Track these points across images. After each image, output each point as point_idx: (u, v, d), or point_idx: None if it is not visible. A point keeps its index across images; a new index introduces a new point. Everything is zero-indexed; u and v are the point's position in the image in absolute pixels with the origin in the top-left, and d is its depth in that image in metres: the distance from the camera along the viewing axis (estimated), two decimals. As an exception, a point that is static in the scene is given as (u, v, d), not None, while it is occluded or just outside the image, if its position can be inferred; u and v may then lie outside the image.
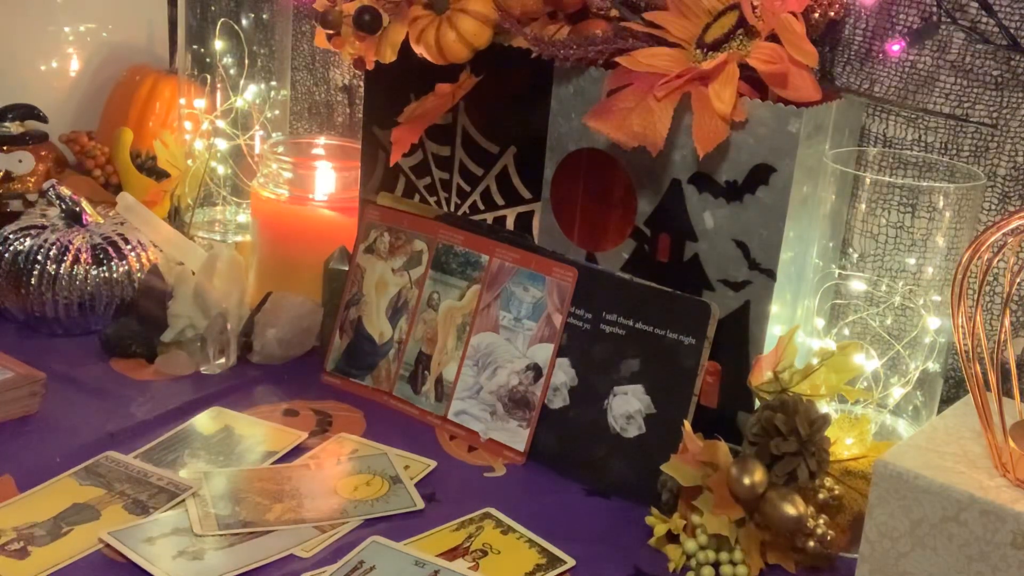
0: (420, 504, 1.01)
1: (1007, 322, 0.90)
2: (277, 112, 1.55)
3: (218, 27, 1.50)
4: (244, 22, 1.51)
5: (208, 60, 1.51)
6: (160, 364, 1.24)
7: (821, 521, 0.92)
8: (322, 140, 1.48)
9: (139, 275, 1.32)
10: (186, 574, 0.89)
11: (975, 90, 1.06)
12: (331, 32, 1.15)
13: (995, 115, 1.06)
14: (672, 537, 0.95)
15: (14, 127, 1.59)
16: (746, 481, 0.91)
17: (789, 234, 1.02)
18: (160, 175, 1.61)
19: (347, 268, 1.26)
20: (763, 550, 0.94)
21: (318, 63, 1.66)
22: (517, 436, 1.10)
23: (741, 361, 1.05)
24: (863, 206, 1.03)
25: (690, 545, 0.93)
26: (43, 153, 1.60)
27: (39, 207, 1.41)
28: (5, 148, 1.57)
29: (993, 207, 1.08)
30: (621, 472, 1.05)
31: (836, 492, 0.93)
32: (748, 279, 1.04)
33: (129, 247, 1.33)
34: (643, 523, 0.97)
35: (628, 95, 1.02)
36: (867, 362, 1.01)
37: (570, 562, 0.93)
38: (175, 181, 1.55)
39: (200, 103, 1.52)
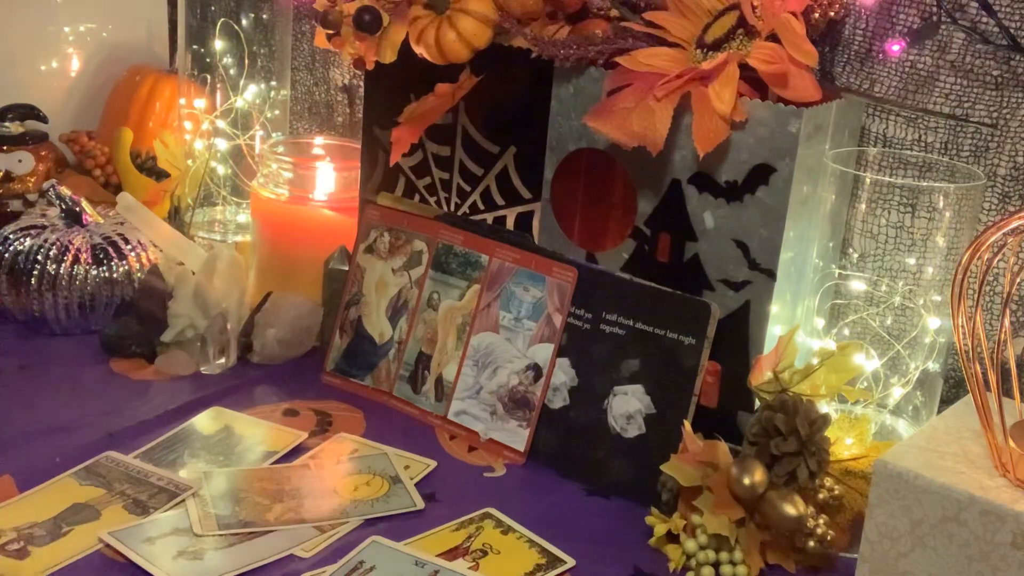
0: (420, 504, 1.01)
1: (1007, 322, 0.90)
2: (277, 112, 1.55)
3: (218, 27, 1.50)
4: (244, 22, 1.51)
5: (208, 60, 1.51)
6: (160, 364, 1.24)
7: (821, 521, 0.92)
8: (322, 140, 1.48)
9: (139, 275, 1.32)
10: (186, 574, 0.89)
11: (975, 90, 1.06)
12: (331, 32, 1.15)
13: (995, 115, 1.06)
14: (672, 537, 0.95)
15: (14, 127, 1.59)
16: (746, 481, 0.91)
17: (789, 234, 1.02)
18: (160, 175, 1.61)
19: (347, 268, 1.26)
20: (763, 550, 0.94)
21: (318, 63, 1.66)
22: (517, 436, 1.10)
23: (741, 361, 1.05)
24: (863, 206, 1.03)
25: (690, 545, 0.93)
26: (43, 153, 1.60)
27: (39, 207, 1.41)
28: (5, 148, 1.57)
29: (993, 207, 1.08)
30: (621, 472, 1.05)
31: (836, 492, 0.93)
32: (748, 279, 1.04)
33: (129, 247, 1.33)
34: (643, 523, 0.97)
35: (628, 95, 1.02)
36: (867, 362, 1.01)
37: (570, 562, 0.93)
38: (175, 181, 1.55)
39: (200, 103, 1.52)
